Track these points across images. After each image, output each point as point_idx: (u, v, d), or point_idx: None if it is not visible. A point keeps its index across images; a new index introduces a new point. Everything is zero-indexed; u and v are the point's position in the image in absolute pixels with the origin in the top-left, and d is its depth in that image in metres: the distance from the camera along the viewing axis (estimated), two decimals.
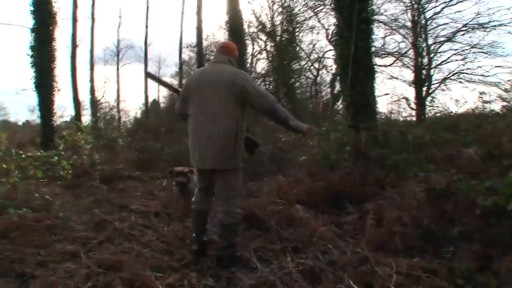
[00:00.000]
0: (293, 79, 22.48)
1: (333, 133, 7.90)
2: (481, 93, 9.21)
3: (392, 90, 24.17)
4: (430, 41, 19.59)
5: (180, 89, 4.53)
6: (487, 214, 4.56)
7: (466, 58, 18.99)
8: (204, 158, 4.12)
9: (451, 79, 18.88)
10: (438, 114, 11.68)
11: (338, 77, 8.10)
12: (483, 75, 18.52)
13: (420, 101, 17.82)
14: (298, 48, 23.80)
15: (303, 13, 22.88)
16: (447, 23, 19.08)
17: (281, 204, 5.57)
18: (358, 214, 5.26)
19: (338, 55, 7.89)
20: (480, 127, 7.37)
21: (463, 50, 18.94)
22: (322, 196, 6.06)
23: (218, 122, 3.99)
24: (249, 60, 22.84)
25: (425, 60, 19.46)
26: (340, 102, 7.88)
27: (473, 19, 18.83)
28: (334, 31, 7.74)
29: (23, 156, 8.53)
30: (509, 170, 5.51)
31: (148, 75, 5.68)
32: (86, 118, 23.45)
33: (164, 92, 37.95)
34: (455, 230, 4.51)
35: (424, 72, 19.15)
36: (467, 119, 9.31)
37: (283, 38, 22.80)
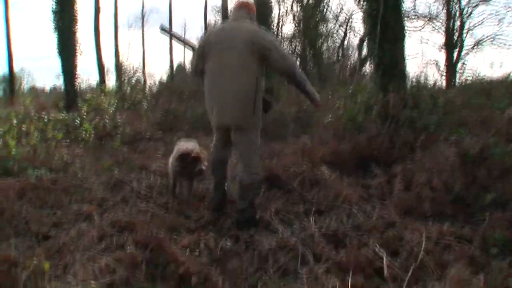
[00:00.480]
0: (319, 42, 22.00)
1: (360, 95, 7.59)
2: None
3: (421, 54, 23.32)
4: (464, 3, 18.71)
5: (196, 45, 4.42)
6: None
7: (502, 20, 18.21)
8: (222, 116, 4.05)
9: (484, 44, 18.22)
10: (469, 80, 11.21)
11: (367, 38, 7.69)
12: None
13: (450, 66, 17.19)
14: (325, 10, 23.15)
15: None
16: None
17: (305, 165, 5.36)
18: (385, 177, 5.04)
19: (366, 14, 7.50)
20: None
21: (497, 13, 18.17)
22: (348, 158, 5.84)
23: (237, 79, 3.91)
24: (275, 23, 22.28)
25: (457, 23, 18.66)
26: (368, 64, 7.58)
27: None
28: None
29: (45, 119, 8.45)
30: None
31: (162, 29, 5.40)
32: (112, 83, 23.48)
33: (189, 56, 37.62)
34: (488, 197, 4.25)
35: (455, 36, 18.43)
36: (502, 84, 8.90)
37: (310, 0, 22.24)
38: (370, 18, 7.31)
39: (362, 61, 20.89)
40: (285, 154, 6.17)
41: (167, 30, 5.06)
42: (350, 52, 24.19)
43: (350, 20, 23.42)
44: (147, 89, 18.49)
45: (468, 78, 11.14)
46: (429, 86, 7.83)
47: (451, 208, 4.28)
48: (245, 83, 3.91)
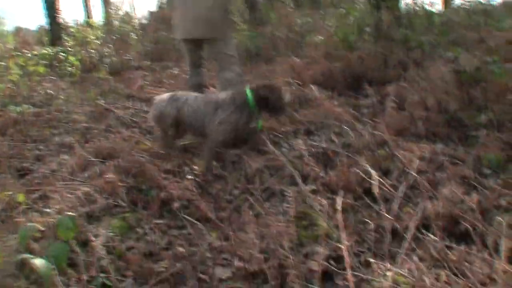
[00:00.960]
0: None
1: (353, 13, 7.23)
2: None
3: None
4: None
5: None
6: None
7: None
8: (194, 28, 4.19)
9: None
10: (468, 1, 10.72)
11: None
12: None
13: None
14: None
15: None
16: None
17: (294, 84, 5.13)
18: (378, 97, 4.83)
19: None
20: None
21: None
22: (339, 77, 5.59)
23: None
24: None
25: None
26: None
27: None
28: None
29: (28, 54, 8.12)
30: None
31: None
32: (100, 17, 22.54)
33: None
34: (484, 117, 4.11)
35: None
36: (504, 5, 8.54)
37: None
38: None
39: None
40: (274, 74, 5.91)
41: None
42: None
43: None
44: (136, 20, 17.75)
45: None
46: (426, 7, 7.42)
47: (445, 129, 4.13)
48: None
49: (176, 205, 3.05)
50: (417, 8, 7.18)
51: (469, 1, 10.20)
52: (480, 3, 9.30)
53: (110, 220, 2.92)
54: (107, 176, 3.30)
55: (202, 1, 4.09)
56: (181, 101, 3.75)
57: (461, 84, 4.35)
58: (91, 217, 2.95)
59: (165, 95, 3.92)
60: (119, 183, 3.27)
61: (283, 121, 4.49)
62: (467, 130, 4.13)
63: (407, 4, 7.17)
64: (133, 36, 13.05)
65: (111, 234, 2.69)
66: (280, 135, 4.21)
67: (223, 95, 3.74)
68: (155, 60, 10.33)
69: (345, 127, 4.15)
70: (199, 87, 4.54)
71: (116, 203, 3.14)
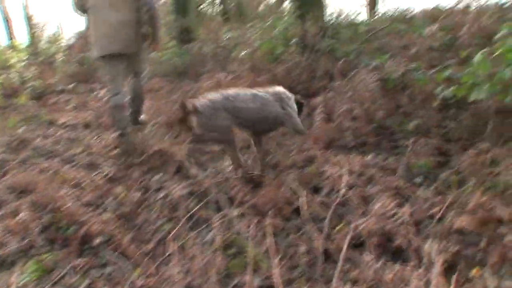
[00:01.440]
0: None
1: (278, 25, 7.13)
2: None
3: None
4: None
5: None
6: (446, 107, 4.18)
7: None
8: (109, 44, 4.33)
9: None
10: (391, 11, 10.93)
11: None
12: None
13: None
14: None
15: None
16: None
17: None
18: (305, 109, 4.70)
19: None
20: (436, 20, 6.83)
21: None
22: None
23: (118, 12, 4.27)
24: None
25: None
26: None
27: None
28: None
29: None
30: (468, 60, 5.12)
31: None
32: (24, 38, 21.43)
33: None
34: (411, 125, 4.08)
35: None
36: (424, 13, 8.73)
37: None
38: None
39: None
40: (199, 93, 5.66)
41: None
42: None
43: None
44: (63, 40, 17.02)
45: (390, 10, 10.78)
46: (350, 18, 7.44)
47: (373, 138, 4.08)
48: (125, 14, 4.30)
49: (97, 241, 2.79)
50: (342, 18, 7.16)
51: (391, 10, 10.44)
52: (402, 11, 9.49)
53: (24, 264, 2.60)
54: (20, 214, 3.02)
55: (113, 17, 4.25)
56: (237, 100, 3.40)
57: (386, 92, 4.30)
58: (3, 263, 2.65)
59: (214, 96, 3.45)
60: (34, 221, 2.98)
61: None
62: (396, 138, 4.08)
63: (332, 15, 7.13)
64: (59, 57, 12.57)
65: (25, 279, 2.41)
66: (204, 158, 3.96)
67: (274, 89, 3.70)
68: (81, 81, 9.94)
69: (272, 145, 3.96)
70: (120, 107, 4.56)
71: (31, 244, 2.82)
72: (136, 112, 4.98)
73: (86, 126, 5.79)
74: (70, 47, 14.82)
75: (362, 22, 6.81)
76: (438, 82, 4.03)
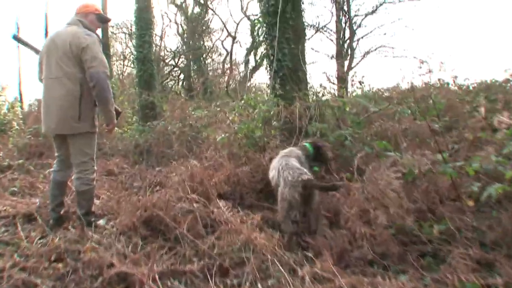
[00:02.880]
0: (204, 55, 20.96)
1: (256, 105, 6.43)
2: (422, 61, 8.13)
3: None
4: (352, 13, 18.54)
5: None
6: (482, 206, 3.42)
7: (385, 33, 18.42)
8: (50, 123, 3.99)
9: (373, 53, 18.26)
10: (363, 89, 10.54)
11: (264, 41, 6.48)
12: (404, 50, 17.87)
13: (342, 75, 16.80)
14: (210, 21, 22.08)
15: None
16: None
17: (196, 199, 3.95)
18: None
19: (263, 12, 6.40)
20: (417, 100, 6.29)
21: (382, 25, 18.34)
22: (251, 185, 4.59)
23: (61, 86, 3.90)
24: (157, 36, 20.71)
25: (347, 34, 18.43)
26: (270, 70, 6.38)
27: None
28: None
29: None
30: (478, 146, 4.52)
31: (15, 38, 5.17)
32: None
33: None
34: (437, 228, 3.30)
35: (346, 45, 18.22)
36: (398, 93, 8.22)
37: (195, 11, 21.10)
38: (267, 16, 6.22)
39: (252, 70, 20.27)
40: (169, 184, 4.69)
41: (21, 40, 4.78)
42: (237, 63, 23.27)
43: (237, 31, 22.51)
44: (19, 109, 15.92)
45: (361, 88, 10.35)
46: (325, 96, 6.84)
47: (396, 247, 3.23)
48: (68, 89, 3.88)
49: None
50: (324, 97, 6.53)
51: (361, 87, 9.97)
52: (378, 89, 9.05)
53: None
54: None
55: (56, 91, 3.91)
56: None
57: (405, 188, 3.50)
58: None
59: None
60: None
61: (186, 255, 3.28)
62: (421, 246, 3.29)
63: (313, 93, 6.53)
64: (16, 126, 11.53)
65: None
66: (182, 279, 2.97)
67: (292, 151, 4.18)
68: (34, 156, 8.67)
69: (274, 259, 3.03)
70: (61, 185, 4.27)
71: None
72: (84, 212, 4.14)
73: (28, 219, 4.50)
74: (26, 116, 13.75)
75: (344, 102, 6.18)
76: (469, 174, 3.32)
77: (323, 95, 6.63)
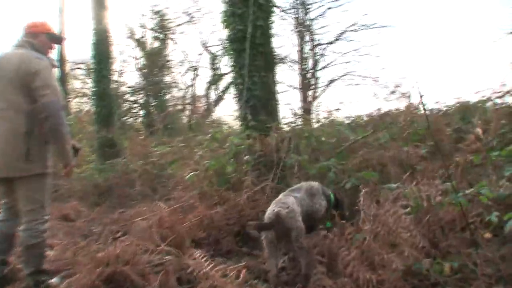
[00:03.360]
0: (164, 90, 20.53)
1: (219, 139, 5.94)
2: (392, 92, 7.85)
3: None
4: (315, 43, 18.63)
5: None
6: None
7: (349, 62, 18.51)
8: None
9: (337, 82, 18.29)
10: (329, 118, 10.24)
11: (233, 65, 5.97)
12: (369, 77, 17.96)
13: (306, 105, 16.68)
14: (169, 56, 21.73)
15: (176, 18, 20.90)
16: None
17: (166, 250, 3.37)
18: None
19: (230, 38, 5.97)
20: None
21: (345, 53, 18.48)
22: (227, 228, 4.07)
23: (5, 119, 3.32)
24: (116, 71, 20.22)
25: (310, 63, 18.41)
26: (238, 100, 5.91)
27: (353, 25, 18.12)
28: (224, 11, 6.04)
29: None
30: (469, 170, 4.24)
31: None
32: None
33: None
34: (447, 267, 2.89)
35: (309, 75, 18.20)
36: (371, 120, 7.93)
37: (153, 46, 20.72)
38: (234, 43, 5.80)
39: (215, 102, 19.93)
40: (134, 230, 4.08)
41: None
42: (198, 97, 22.87)
43: (197, 66, 22.19)
44: None
45: (328, 117, 10.02)
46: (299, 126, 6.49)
47: None
48: (13, 123, 3.30)
49: None
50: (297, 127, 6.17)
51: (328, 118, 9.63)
52: (357, 116, 8.69)
53: None
54: None
55: (1, 126, 3.28)
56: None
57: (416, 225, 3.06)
58: None
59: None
60: None
61: None
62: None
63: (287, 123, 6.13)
64: None
65: None
66: None
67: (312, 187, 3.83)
68: None
69: None
70: (8, 238, 3.56)
71: None
72: (34, 271, 3.46)
73: None
74: None
75: (323, 130, 5.80)
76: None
77: (297, 125, 6.23)
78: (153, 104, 20.52)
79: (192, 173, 4.96)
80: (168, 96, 21.42)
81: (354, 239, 3.14)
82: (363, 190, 3.28)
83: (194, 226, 3.85)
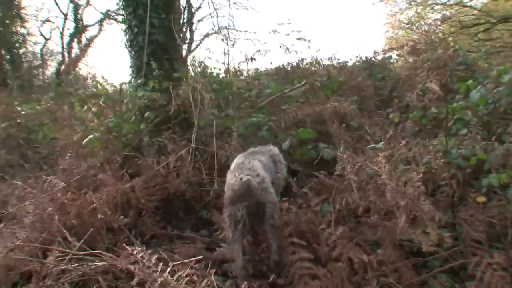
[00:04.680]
0: (18, 44, 18.03)
1: (103, 93, 4.87)
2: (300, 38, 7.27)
3: None
4: None
5: None
6: None
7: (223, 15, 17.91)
8: None
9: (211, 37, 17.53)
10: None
11: (124, 5, 4.65)
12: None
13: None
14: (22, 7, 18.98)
15: None
16: None
17: (84, 248, 2.37)
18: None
19: None
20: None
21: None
22: (149, 205, 3.17)
23: None
24: None
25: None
26: (132, 47, 4.74)
27: None
28: None
29: None
30: None
31: None
32: None
33: None
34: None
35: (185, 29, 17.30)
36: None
37: None
38: None
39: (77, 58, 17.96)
40: (24, 220, 2.92)
41: None
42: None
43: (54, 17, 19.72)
44: None
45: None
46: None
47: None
48: None
49: None
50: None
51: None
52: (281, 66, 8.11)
53: None
54: None
55: None
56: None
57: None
58: None
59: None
60: None
61: None
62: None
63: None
64: None
65: None
66: None
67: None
68: None
69: None
70: None
71: None
72: None
73: None
74: None
75: (231, 82, 5.01)
76: None
77: (206, 75, 5.34)
78: (5, 59, 18.19)
79: (91, 137, 3.87)
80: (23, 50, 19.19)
81: (323, 210, 2.52)
82: (342, 155, 2.63)
83: (107, 208, 2.87)
